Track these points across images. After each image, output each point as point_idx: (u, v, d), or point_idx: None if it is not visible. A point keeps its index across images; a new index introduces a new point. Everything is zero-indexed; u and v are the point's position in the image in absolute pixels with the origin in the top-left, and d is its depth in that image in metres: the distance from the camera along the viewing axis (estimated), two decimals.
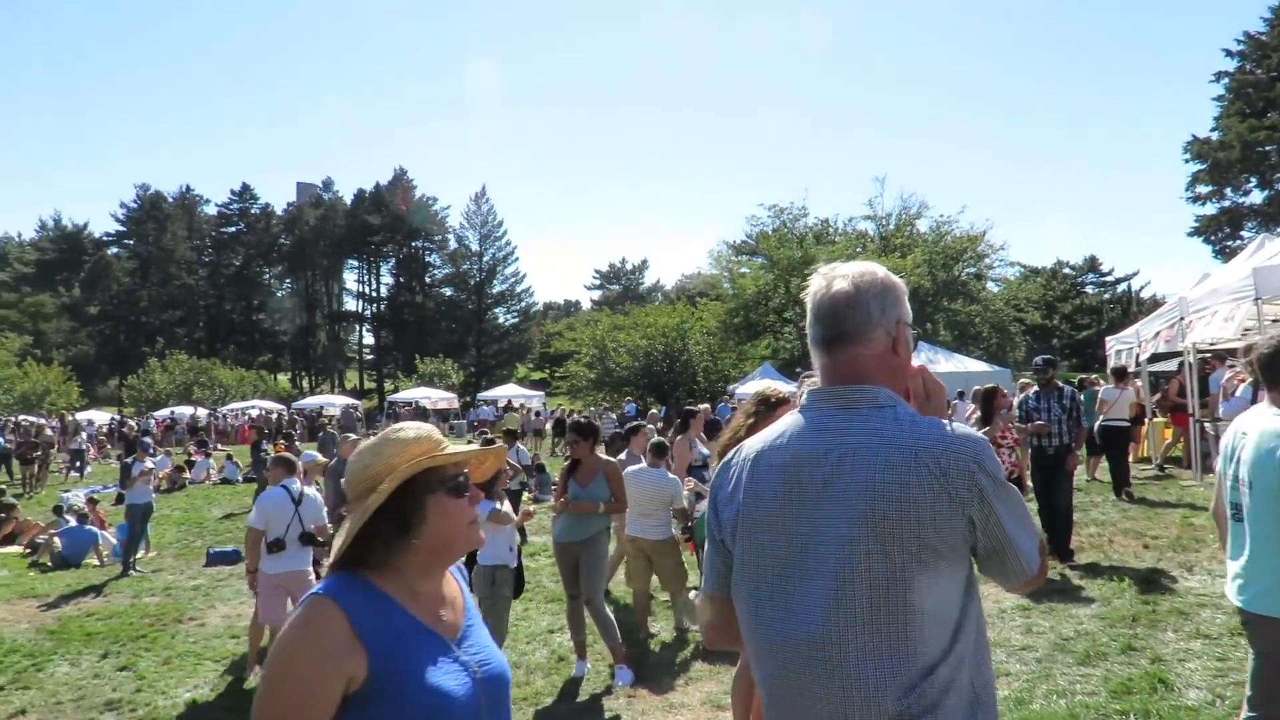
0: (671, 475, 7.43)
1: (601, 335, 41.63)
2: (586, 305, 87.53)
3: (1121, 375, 13.14)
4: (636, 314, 44.38)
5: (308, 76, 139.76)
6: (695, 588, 7.98)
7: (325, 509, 7.14)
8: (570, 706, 6.00)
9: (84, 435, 25.86)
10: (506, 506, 6.31)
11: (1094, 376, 18.20)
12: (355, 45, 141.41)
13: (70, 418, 33.32)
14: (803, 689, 1.67)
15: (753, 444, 1.84)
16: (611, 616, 6.46)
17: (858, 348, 1.76)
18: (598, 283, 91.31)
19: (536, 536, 11.37)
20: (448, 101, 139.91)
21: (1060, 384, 9.10)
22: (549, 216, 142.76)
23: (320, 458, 10.01)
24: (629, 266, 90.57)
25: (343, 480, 1.73)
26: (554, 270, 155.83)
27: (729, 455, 1.88)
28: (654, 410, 24.55)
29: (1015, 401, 9.36)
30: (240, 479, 21.44)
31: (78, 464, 23.62)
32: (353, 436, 10.75)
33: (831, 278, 1.81)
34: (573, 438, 6.73)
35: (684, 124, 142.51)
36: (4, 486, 18.31)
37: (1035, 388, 9.15)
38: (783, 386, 4.57)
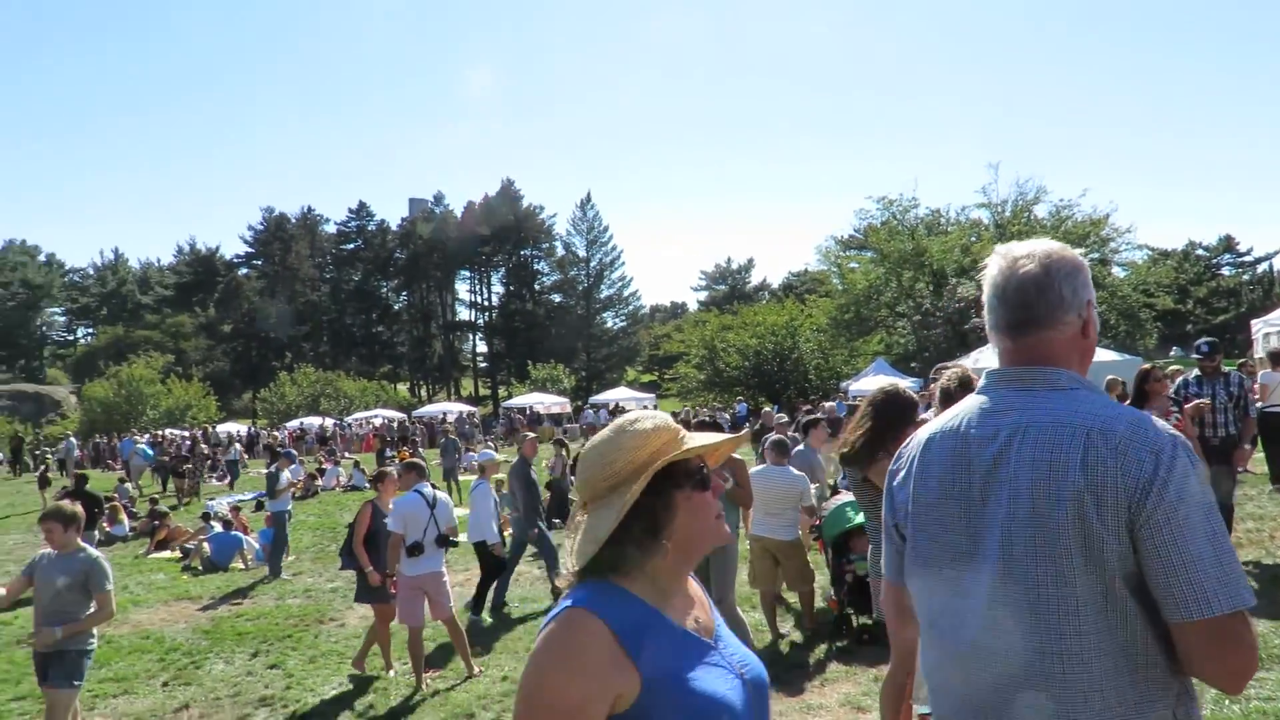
0: (798, 473, 7.33)
1: (710, 336, 41.53)
2: (693, 306, 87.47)
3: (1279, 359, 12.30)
4: (745, 313, 44.12)
5: (416, 96, 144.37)
6: (825, 587, 7.87)
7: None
8: None
9: (238, 447, 27.33)
10: None
11: (1251, 362, 17.05)
12: (458, 63, 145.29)
13: (212, 430, 35.21)
14: (967, 677, 1.62)
15: (928, 428, 1.81)
16: (744, 617, 6.42)
17: (1048, 332, 1.69)
18: (704, 283, 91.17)
19: None
20: (551, 110, 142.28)
21: (1226, 370, 8.47)
22: (654, 220, 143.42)
23: (497, 457, 10.33)
24: (735, 266, 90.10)
25: (577, 479, 1.60)
26: (660, 273, 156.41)
27: (906, 441, 1.85)
28: (767, 409, 24.31)
29: (1172, 387, 8.71)
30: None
31: (232, 474, 24.84)
32: (531, 435, 11.03)
33: (1015, 258, 1.72)
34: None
35: (786, 120, 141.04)
36: (157, 496, 19.47)
37: (1195, 372, 8.49)
38: (901, 381, 4.45)
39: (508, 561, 9.59)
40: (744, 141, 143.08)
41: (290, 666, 7.74)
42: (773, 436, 8.13)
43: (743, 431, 1.85)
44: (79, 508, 5.48)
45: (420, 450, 24.77)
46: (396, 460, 20.96)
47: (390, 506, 7.23)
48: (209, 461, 23.60)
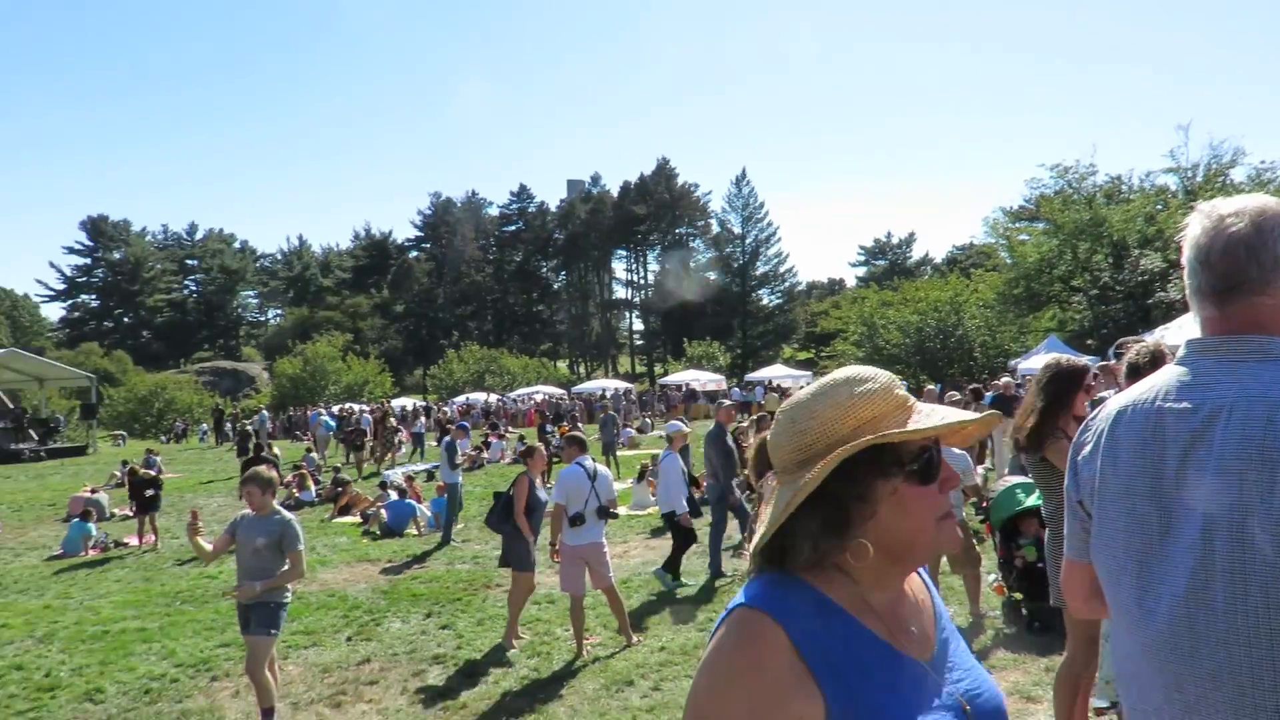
0: (959, 451, 7.08)
1: (869, 312, 40.49)
2: (851, 283, 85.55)
3: None
4: (905, 288, 42.75)
5: (570, 78, 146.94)
6: (991, 572, 7.59)
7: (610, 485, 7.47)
8: None
9: (422, 420, 28.85)
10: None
11: None
12: (615, 46, 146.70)
13: (389, 405, 37.25)
14: (1161, 666, 1.51)
15: (1117, 400, 1.69)
16: None
17: (1260, 298, 1.53)
18: (863, 259, 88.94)
19: None
20: (706, 88, 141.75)
21: None
22: (810, 195, 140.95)
23: (683, 427, 10.49)
24: (895, 240, 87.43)
25: (770, 446, 1.31)
26: (817, 249, 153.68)
27: (1093, 412, 1.76)
28: (930, 387, 23.52)
29: None
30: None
31: (418, 446, 26.10)
32: (727, 402, 11.12)
33: (1222, 216, 1.56)
34: None
35: (950, 88, 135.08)
36: (339, 465, 20.83)
37: None
38: (1075, 359, 4.19)
39: (712, 527, 9.69)
40: (904, 112, 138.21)
41: (460, 628, 8.15)
42: None
43: (989, 411, 1.29)
44: (275, 473, 5.95)
45: (579, 426, 25.36)
46: (556, 435, 21.59)
47: (539, 480, 7.50)
48: (399, 434, 25.01)
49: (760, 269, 79.54)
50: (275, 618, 5.61)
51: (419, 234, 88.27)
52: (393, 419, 27.19)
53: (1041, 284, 36.08)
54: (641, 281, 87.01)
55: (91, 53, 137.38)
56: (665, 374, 62.51)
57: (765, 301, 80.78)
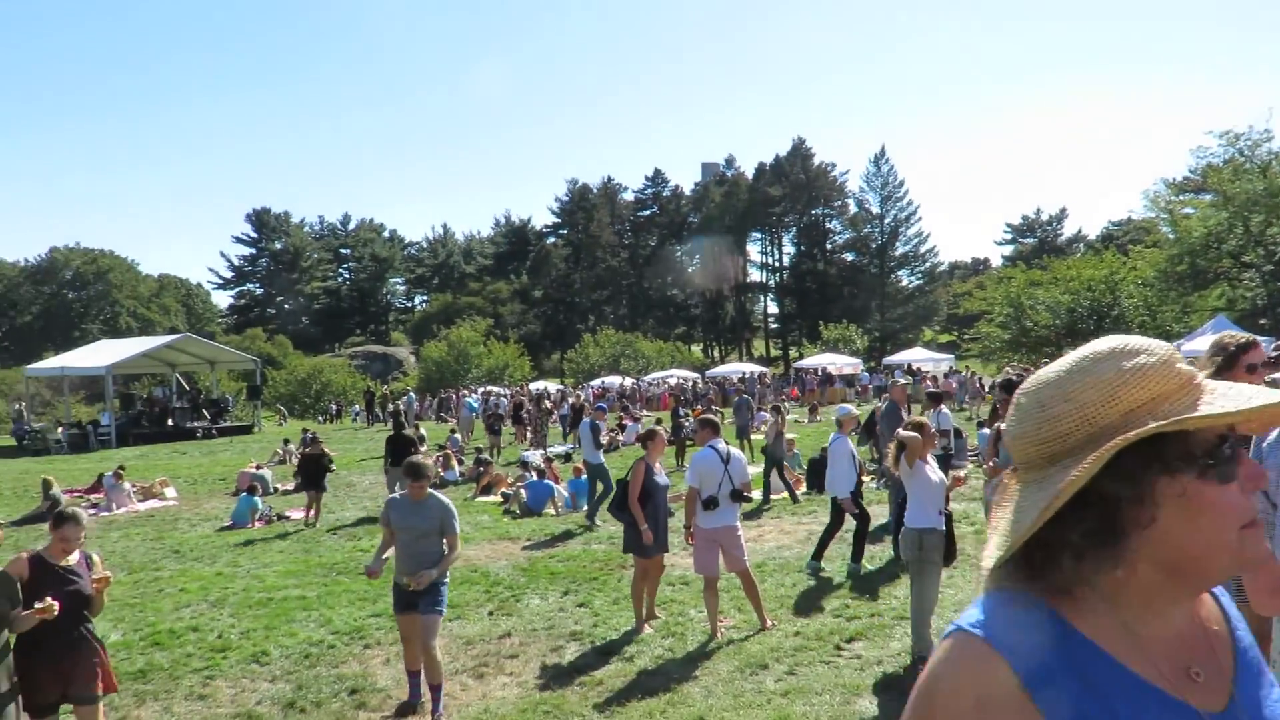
0: None
1: (1016, 292, 38.70)
2: (997, 262, 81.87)
3: None
4: (1056, 267, 40.64)
5: (705, 61, 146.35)
6: None
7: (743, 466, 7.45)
8: None
9: (568, 403, 29.58)
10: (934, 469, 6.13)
11: None
12: (746, 22, 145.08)
13: (528, 389, 38.28)
14: None
15: None
16: None
17: None
18: (1009, 237, 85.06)
19: (958, 504, 10.95)
20: (842, 67, 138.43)
21: None
22: (952, 172, 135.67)
23: (853, 410, 10.41)
24: (1044, 217, 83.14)
25: (1008, 437, 1.09)
26: (960, 228, 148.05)
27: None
28: None
29: None
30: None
31: (574, 427, 26.71)
32: (901, 382, 11.04)
33: None
34: (1004, 398, 6.37)
35: (1103, 58, 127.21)
36: (480, 447, 21.56)
37: None
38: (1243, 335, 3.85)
39: (891, 509, 9.56)
40: (1055, 82, 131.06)
41: (596, 606, 8.33)
42: None
43: None
44: (429, 462, 6.24)
45: (714, 409, 25.36)
46: (690, 418, 21.66)
47: (658, 464, 7.60)
48: (551, 415, 25.79)
49: (900, 249, 77.34)
50: (441, 595, 5.91)
51: (556, 220, 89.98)
52: (548, 401, 27.96)
53: (1208, 260, 33.62)
54: (776, 264, 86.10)
55: (251, 53, 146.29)
56: (800, 358, 61.71)
57: (905, 283, 78.55)
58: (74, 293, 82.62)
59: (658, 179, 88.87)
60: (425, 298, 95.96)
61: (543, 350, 78.54)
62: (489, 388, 42.92)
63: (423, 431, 21.05)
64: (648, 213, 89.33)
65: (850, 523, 9.42)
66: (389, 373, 67.47)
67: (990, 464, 6.43)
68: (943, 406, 12.14)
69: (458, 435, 24.44)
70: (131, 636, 7.99)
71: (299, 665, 7.07)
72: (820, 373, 42.67)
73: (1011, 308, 38.42)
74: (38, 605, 4.47)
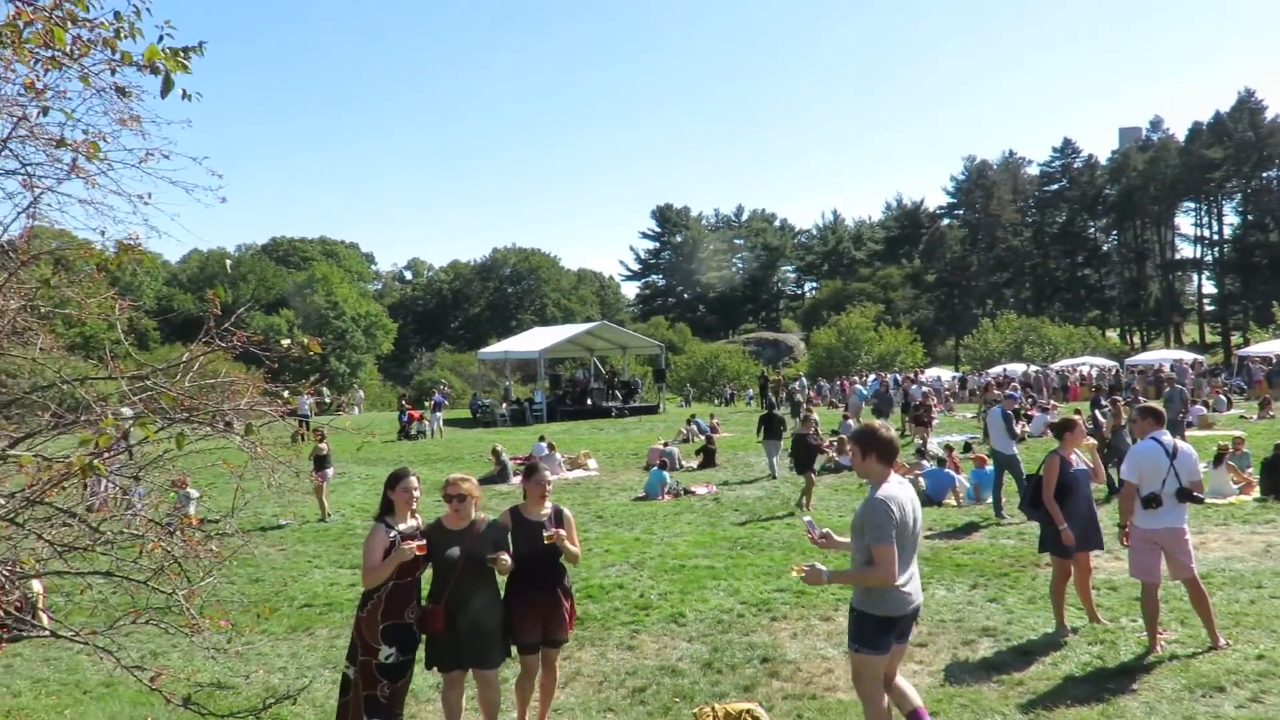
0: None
1: None
2: None
3: None
4: None
5: (1117, 23, 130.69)
6: None
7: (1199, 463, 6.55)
8: None
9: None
10: None
11: None
12: None
13: (921, 372, 37.12)
14: None
15: None
16: None
17: None
18: None
19: None
20: None
21: None
22: None
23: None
24: None
25: None
26: None
27: None
28: None
29: None
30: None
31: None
32: None
33: None
34: None
35: None
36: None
37: None
38: None
39: None
40: None
41: (1009, 603, 7.85)
42: None
43: None
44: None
45: (1140, 400, 22.73)
46: (1108, 410, 19.56)
47: (1074, 457, 7.00)
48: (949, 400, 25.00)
49: None
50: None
51: (951, 200, 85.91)
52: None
53: None
54: (1215, 237, 74.59)
55: (655, 75, 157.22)
56: (1245, 344, 52.97)
57: None
58: (511, 287, 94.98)
59: (1067, 149, 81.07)
60: (815, 284, 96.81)
61: (936, 336, 75.59)
62: (881, 373, 42.09)
63: (815, 416, 21.23)
64: (1055, 187, 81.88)
65: None
66: (780, 358, 69.05)
67: None
68: None
69: (851, 421, 24.31)
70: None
71: (713, 629, 7.50)
72: (1274, 360, 36.25)
73: None
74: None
